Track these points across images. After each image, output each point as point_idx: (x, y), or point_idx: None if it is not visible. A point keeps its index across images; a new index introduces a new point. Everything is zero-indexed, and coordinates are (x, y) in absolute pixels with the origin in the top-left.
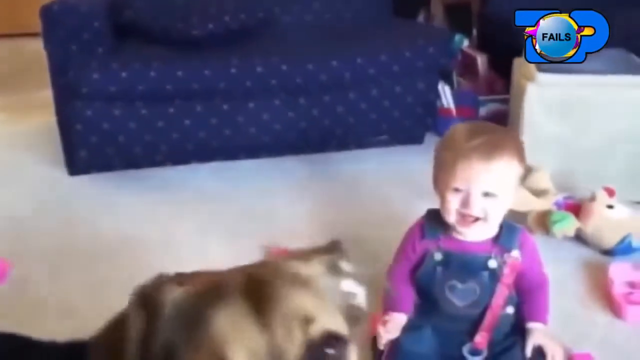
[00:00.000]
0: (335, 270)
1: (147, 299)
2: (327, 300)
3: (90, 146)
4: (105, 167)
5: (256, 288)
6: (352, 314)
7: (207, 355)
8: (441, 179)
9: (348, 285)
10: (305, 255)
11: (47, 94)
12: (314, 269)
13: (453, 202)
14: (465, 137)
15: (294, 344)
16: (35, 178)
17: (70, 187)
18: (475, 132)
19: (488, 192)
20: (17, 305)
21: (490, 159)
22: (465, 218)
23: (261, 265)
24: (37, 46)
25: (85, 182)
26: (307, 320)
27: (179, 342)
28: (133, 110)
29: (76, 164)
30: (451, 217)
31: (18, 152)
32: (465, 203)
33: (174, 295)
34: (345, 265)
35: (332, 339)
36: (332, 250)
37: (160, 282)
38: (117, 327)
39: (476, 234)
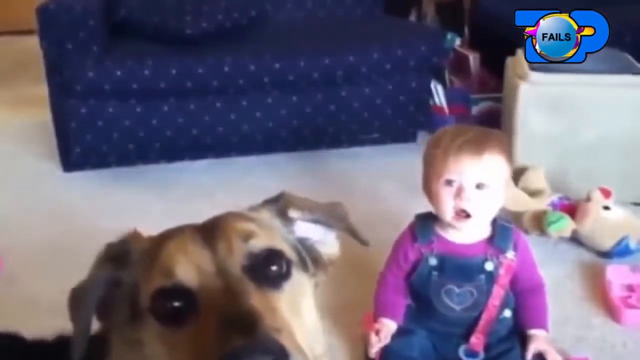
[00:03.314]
0: (283, 217)
1: (113, 252)
2: (272, 230)
3: (85, 143)
4: (99, 164)
5: (206, 225)
6: (310, 255)
7: (158, 275)
8: (433, 174)
9: (303, 230)
10: (255, 207)
11: (42, 91)
12: (261, 214)
13: (447, 197)
14: (453, 134)
15: (234, 254)
16: (30, 174)
17: (65, 183)
18: (463, 130)
19: (480, 183)
20: (7, 302)
21: (480, 152)
22: (459, 214)
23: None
24: (32, 43)
25: (80, 179)
26: (247, 236)
27: (141, 278)
28: (127, 108)
29: (71, 161)
30: (446, 214)
31: (13, 148)
32: (458, 196)
33: (140, 244)
34: (293, 212)
35: (275, 256)
36: (278, 200)
37: (127, 237)
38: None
39: (470, 232)
